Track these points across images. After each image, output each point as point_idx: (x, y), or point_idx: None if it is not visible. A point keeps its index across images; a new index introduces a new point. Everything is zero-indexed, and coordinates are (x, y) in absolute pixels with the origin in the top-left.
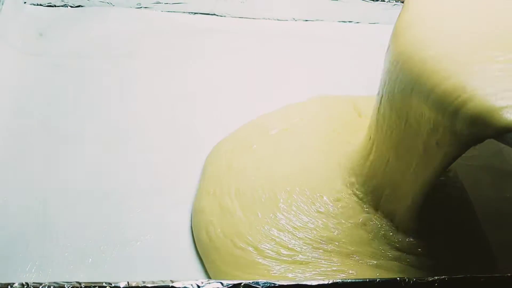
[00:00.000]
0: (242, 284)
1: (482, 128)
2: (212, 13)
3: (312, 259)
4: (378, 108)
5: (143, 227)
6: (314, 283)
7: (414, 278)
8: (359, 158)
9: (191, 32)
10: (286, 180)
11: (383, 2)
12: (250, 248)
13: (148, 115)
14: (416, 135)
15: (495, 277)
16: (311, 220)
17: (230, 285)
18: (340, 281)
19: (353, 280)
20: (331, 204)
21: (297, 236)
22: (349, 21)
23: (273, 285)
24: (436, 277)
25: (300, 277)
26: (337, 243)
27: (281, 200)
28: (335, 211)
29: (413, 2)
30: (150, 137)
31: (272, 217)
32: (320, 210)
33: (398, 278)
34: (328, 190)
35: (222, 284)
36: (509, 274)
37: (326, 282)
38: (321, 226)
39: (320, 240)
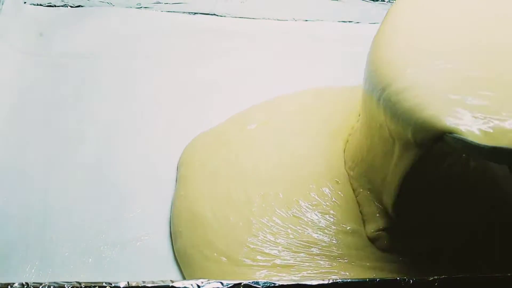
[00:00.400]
0: (242, 284)
1: (425, 133)
2: (212, 13)
3: (294, 262)
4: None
5: (143, 227)
6: (314, 283)
7: (414, 278)
8: (349, 157)
9: (191, 32)
10: (261, 182)
11: (383, 2)
12: (223, 258)
13: (148, 115)
14: (378, 141)
15: (495, 277)
16: (287, 225)
17: (230, 285)
18: (340, 281)
19: (353, 280)
20: (308, 209)
21: (273, 241)
22: (349, 21)
23: (273, 285)
24: (436, 277)
25: (287, 280)
26: (320, 247)
27: (255, 204)
28: (314, 216)
29: (388, 23)
30: (150, 137)
31: (246, 222)
32: (296, 215)
33: (398, 278)
34: (305, 195)
35: (222, 284)
36: (509, 274)
37: (326, 282)
38: (299, 231)
39: (300, 244)
